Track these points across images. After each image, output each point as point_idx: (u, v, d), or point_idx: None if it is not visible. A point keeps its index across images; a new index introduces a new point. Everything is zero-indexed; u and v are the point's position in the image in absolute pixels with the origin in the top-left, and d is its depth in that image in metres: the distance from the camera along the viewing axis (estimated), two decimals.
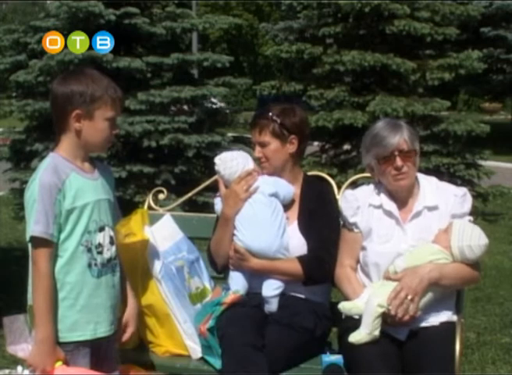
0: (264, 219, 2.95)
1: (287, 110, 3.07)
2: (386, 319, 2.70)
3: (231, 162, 3.04)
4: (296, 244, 2.98)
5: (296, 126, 3.06)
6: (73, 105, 2.46)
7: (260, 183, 3.01)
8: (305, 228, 3.00)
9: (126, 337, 2.70)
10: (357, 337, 2.69)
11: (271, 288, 2.94)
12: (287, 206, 3.04)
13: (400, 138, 2.81)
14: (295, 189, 3.07)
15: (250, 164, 3.05)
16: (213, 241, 3.08)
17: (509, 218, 9.14)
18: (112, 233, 2.59)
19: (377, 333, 2.68)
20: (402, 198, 2.90)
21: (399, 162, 2.80)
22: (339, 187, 3.30)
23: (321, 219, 2.99)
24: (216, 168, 3.08)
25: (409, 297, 2.68)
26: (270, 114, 3.03)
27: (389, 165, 2.82)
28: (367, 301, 2.72)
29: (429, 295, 2.74)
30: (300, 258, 2.94)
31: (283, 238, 2.96)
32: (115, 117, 2.54)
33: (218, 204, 3.10)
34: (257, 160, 3.09)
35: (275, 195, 3.00)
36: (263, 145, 3.04)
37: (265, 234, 2.94)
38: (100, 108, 2.48)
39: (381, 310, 2.68)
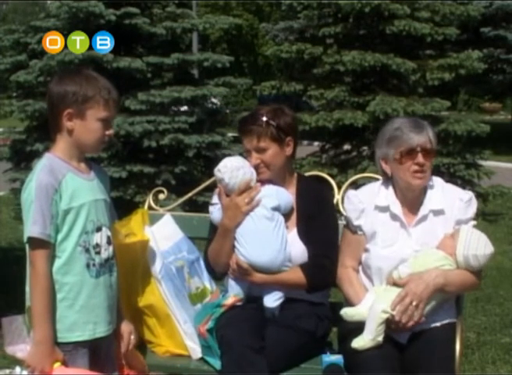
0: (267, 235, 2.88)
1: (278, 111, 2.98)
2: (390, 324, 2.69)
3: (237, 172, 2.90)
4: (297, 251, 2.94)
5: (290, 127, 2.98)
6: (66, 105, 2.47)
7: (262, 195, 2.92)
8: (304, 234, 2.95)
9: (124, 348, 2.72)
10: (360, 342, 2.68)
11: (272, 299, 2.91)
12: (285, 214, 2.98)
13: (426, 136, 2.80)
14: (291, 192, 3.01)
15: (254, 175, 2.94)
16: (211, 251, 3.01)
17: (509, 218, 9.14)
18: (109, 233, 2.59)
19: (380, 339, 2.67)
20: (411, 198, 2.86)
21: (421, 158, 2.77)
22: (339, 188, 3.29)
23: (319, 224, 2.95)
24: (220, 176, 2.93)
25: (414, 303, 2.66)
26: (265, 118, 2.92)
27: (409, 159, 2.78)
28: (371, 307, 2.70)
29: (433, 302, 2.72)
30: (303, 267, 2.91)
31: (286, 250, 2.90)
32: (108, 118, 2.53)
33: (214, 212, 3.01)
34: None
35: (277, 208, 2.93)
36: (261, 151, 2.93)
37: (269, 250, 2.88)
38: (92, 108, 2.48)
39: (385, 316, 2.66)
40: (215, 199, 3.04)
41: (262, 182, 2.97)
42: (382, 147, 2.87)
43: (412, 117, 2.96)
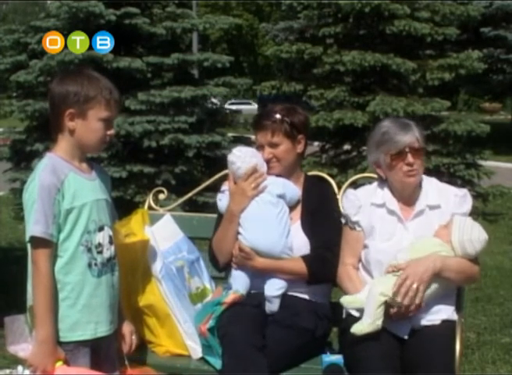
0: (271, 219, 2.94)
1: (292, 110, 3.08)
2: (389, 311, 2.70)
3: (250, 158, 2.99)
4: (299, 243, 2.98)
5: (303, 125, 3.08)
6: (67, 105, 2.48)
7: (268, 182, 3.00)
8: (308, 228, 3.00)
9: (127, 349, 2.73)
10: (359, 327, 2.68)
11: (273, 288, 2.94)
12: (290, 207, 3.04)
13: (412, 136, 2.85)
14: (298, 188, 3.07)
15: (264, 165, 3.02)
16: (216, 238, 3.06)
17: (509, 218, 9.14)
18: (110, 233, 2.60)
19: (379, 322, 2.67)
20: (406, 196, 2.91)
21: (410, 158, 2.83)
22: (339, 187, 3.31)
23: (323, 220, 3.00)
24: (233, 159, 3.00)
25: (415, 285, 2.68)
26: (278, 116, 3.02)
27: (400, 161, 2.84)
28: (369, 291, 2.72)
29: (432, 288, 2.74)
30: (305, 258, 2.95)
31: (288, 238, 2.96)
32: (109, 118, 2.54)
33: (222, 200, 3.08)
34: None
35: (282, 196, 2.99)
36: (274, 146, 3.01)
37: (271, 234, 2.93)
38: (93, 108, 2.49)
39: (383, 299, 2.68)
40: (224, 187, 3.10)
41: (271, 175, 3.04)
42: (372, 152, 2.95)
43: (398, 118, 3.01)
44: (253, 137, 3.22)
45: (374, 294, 2.69)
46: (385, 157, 2.87)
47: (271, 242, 2.93)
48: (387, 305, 2.70)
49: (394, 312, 2.71)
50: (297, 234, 2.99)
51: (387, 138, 2.87)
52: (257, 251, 2.93)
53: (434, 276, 2.73)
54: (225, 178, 3.18)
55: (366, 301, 2.71)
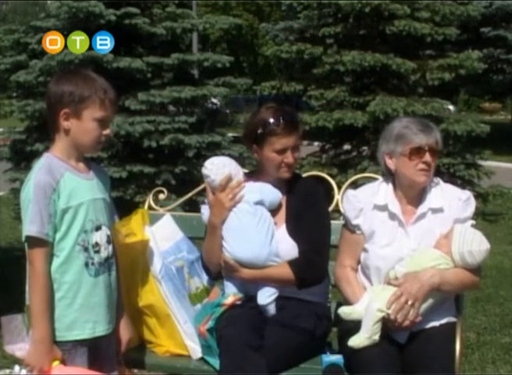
0: (250, 229, 2.89)
1: (290, 110, 3.05)
2: (387, 323, 2.69)
3: (223, 169, 2.94)
4: (287, 247, 2.93)
5: None
6: (62, 104, 2.48)
7: (245, 191, 2.94)
8: (294, 230, 2.95)
9: (124, 348, 2.74)
10: (356, 341, 2.68)
11: (265, 296, 2.91)
12: (274, 211, 2.98)
13: (434, 137, 2.85)
14: (281, 189, 3.00)
15: (240, 172, 2.99)
16: (204, 250, 3.04)
17: (509, 218, 9.15)
18: (108, 233, 2.60)
19: (376, 337, 2.67)
20: (411, 196, 2.88)
21: (428, 157, 2.81)
22: (339, 188, 3.29)
23: (309, 220, 2.94)
24: (206, 172, 2.96)
25: (409, 302, 2.67)
26: (297, 118, 3.02)
27: (418, 157, 2.81)
28: (367, 306, 2.71)
29: (430, 301, 2.73)
30: (291, 263, 2.89)
31: (272, 245, 2.90)
32: (104, 118, 2.53)
33: (204, 213, 3.04)
34: (282, 167, 2.96)
35: (260, 203, 2.94)
36: (297, 149, 2.97)
37: (252, 244, 2.88)
38: (88, 107, 2.49)
39: (380, 315, 2.67)
40: (206, 199, 3.06)
41: (247, 179, 3.00)
42: (390, 142, 2.89)
43: (419, 118, 3.00)
44: None
45: (371, 310, 2.68)
46: (404, 149, 2.82)
47: (253, 253, 2.88)
48: (385, 317, 2.68)
49: (391, 326, 2.70)
50: (284, 238, 2.94)
51: (408, 132, 2.83)
52: (241, 263, 2.89)
53: (431, 291, 2.70)
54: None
55: (364, 314, 2.70)
